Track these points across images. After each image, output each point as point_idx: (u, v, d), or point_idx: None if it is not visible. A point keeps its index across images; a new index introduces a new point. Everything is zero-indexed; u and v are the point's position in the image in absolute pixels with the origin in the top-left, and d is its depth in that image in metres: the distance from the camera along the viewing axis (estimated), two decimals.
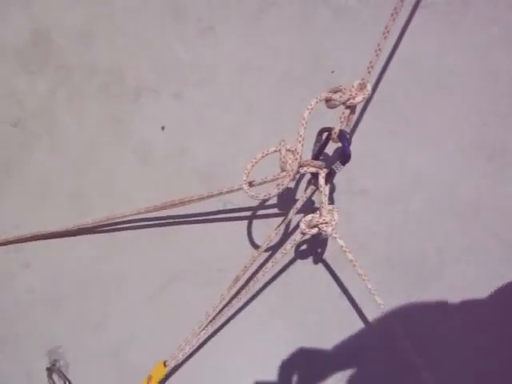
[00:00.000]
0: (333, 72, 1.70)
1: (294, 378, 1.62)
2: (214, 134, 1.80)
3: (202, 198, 1.56)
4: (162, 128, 1.85)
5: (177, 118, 1.85)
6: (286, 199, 1.68)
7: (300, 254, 1.67)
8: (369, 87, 1.28)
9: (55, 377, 1.99)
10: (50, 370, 1.99)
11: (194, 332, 1.61)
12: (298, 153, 1.27)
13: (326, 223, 1.38)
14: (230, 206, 1.73)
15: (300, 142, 1.26)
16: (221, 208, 1.74)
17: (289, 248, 1.45)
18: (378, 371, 1.64)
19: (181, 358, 1.64)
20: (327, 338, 1.65)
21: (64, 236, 1.94)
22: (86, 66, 2.06)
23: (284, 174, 1.35)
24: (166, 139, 1.85)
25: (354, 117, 1.35)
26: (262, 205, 1.71)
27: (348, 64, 1.68)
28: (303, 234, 1.42)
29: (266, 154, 1.37)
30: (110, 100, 1.96)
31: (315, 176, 1.41)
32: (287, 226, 1.68)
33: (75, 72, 2.07)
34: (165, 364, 1.66)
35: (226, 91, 1.81)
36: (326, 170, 1.38)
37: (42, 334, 2.02)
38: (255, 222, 1.71)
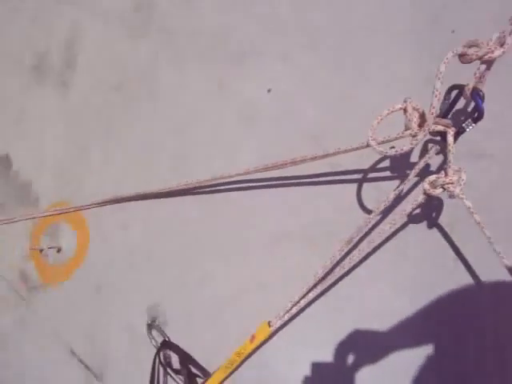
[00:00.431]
0: (453, 32, 1.63)
1: (406, 337, 1.58)
2: (322, 95, 1.77)
3: (314, 158, 1.54)
4: (268, 90, 1.84)
5: (283, 81, 1.83)
6: (398, 162, 1.64)
7: (413, 218, 1.62)
8: (509, 41, 1.21)
9: (154, 333, 2.05)
10: (149, 326, 2.05)
11: (302, 292, 1.61)
12: (433, 107, 1.22)
13: (453, 183, 1.33)
14: (338, 168, 1.70)
15: (436, 96, 1.21)
16: (329, 170, 1.72)
17: (409, 210, 1.41)
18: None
19: (286, 318, 1.64)
20: (440, 303, 1.59)
21: (167, 196, 1.98)
22: (189, 29, 2.07)
23: (408, 132, 1.32)
24: (272, 101, 1.84)
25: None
26: (373, 167, 1.67)
27: (469, 23, 1.61)
28: (426, 194, 1.38)
29: (392, 111, 1.33)
30: (213, 63, 1.97)
31: (442, 135, 1.36)
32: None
33: (178, 35, 2.10)
34: (269, 324, 1.66)
35: (334, 53, 1.77)
36: (454, 129, 1.33)
37: (142, 292, 2.09)
38: (365, 185, 1.67)
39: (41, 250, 2.49)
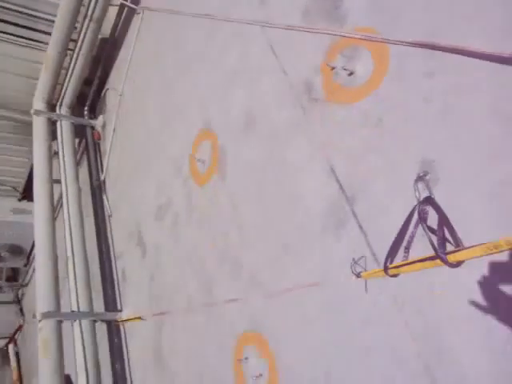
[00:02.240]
0: None
1: None
2: None
3: None
4: None
5: None
6: None
7: None
8: None
9: (421, 186, 2.07)
10: (419, 178, 2.06)
11: None
12: None
13: None
14: None
15: None
16: None
17: None
18: None
19: None
20: None
21: None
22: None
23: None
24: None
25: None
26: None
27: None
28: None
29: None
30: None
31: None
32: None
33: None
34: None
35: None
36: None
37: (420, 143, 2.07)
38: None
39: (333, 68, 2.57)
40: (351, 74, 2.46)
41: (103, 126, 6.23)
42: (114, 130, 5.84)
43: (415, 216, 2.07)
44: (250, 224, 3.13)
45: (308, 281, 2.56)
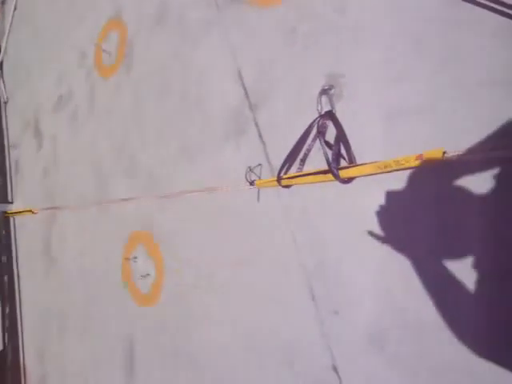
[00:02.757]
0: None
1: None
2: None
3: None
4: None
5: None
6: None
7: None
8: None
9: (324, 100, 2.04)
10: (323, 92, 2.03)
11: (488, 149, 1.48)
12: None
13: None
14: None
15: None
16: None
17: None
18: None
19: (463, 151, 1.56)
20: None
21: None
22: None
23: None
24: None
25: None
26: None
27: None
28: None
29: None
30: None
31: None
32: None
33: None
34: (444, 153, 1.59)
35: None
36: None
37: (329, 53, 2.02)
38: None
39: None
40: None
41: (3, 2, 5.55)
42: (15, 7, 5.21)
43: (314, 129, 2.06)
44: (150, 123, 2.99)
45: (205, 185, 2.52)
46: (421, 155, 1.65)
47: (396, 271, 1.78)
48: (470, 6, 1.64)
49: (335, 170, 1.90)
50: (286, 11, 2.22)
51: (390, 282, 1.81)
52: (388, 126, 1.84)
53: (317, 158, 2.05)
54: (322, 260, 2.04)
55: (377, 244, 1.85)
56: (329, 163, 1.92)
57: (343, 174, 1.90)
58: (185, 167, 2.70)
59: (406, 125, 1.79)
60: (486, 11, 1.61)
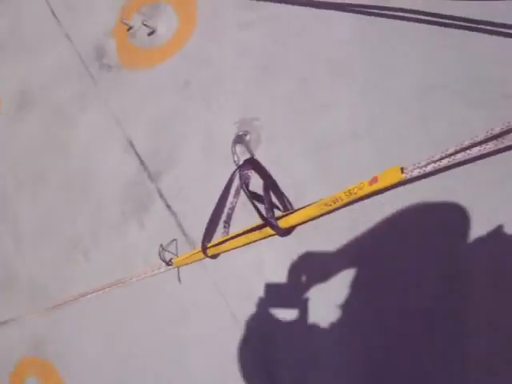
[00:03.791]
0: None
1: None
2: None
3: None
4: None
5: None
6: None
7: None
8: None
9: (239, 149, 1.79)
10: (238, 139, 1.79)
11: (445, 151, 1.32)
12: None
13: None
14: None
15: None
16: None
17: None
18: None
19: (421, 172, 1.37)
20: None
21: None
22: None
23: None
24: None
25: None
26: None
27: None
28: None
29: None
30: None
31: None
32: None
33: None
34: (402, 170, 1.39)
35: None
36: None
37: (240, 101, 1.81)
38: None
39: (130, 28, 2.18)
40: (152, 33, 2.09)
41: None
42: None
43: (235, 183, 1.77)
44: (25, 221, 2.46)
45: (108, 281, 2.05)
46: (375, 178, 1.43)
47: None
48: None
49: (273, 221, 1.60)
50: (176, 65, 2.00)
51: None
52: (319, 160, 1.63)
53: (243, 217, 1.75)
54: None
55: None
56: (262, 215, 1.62)
57: (283, 223, 1.61)
58: (78, 265, 2.21)
59: (341, 153, 1.59)
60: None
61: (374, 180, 1.42)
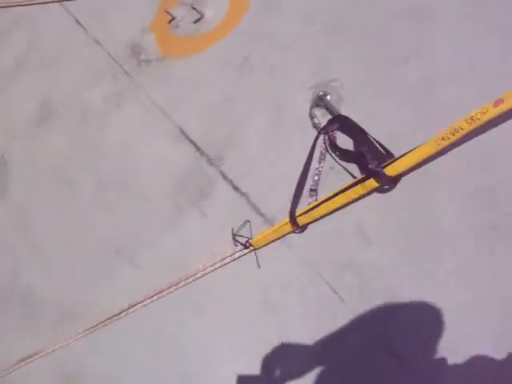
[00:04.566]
0: None
1: None
2: None
3: None
4: None
5: None
6: None
7: None
8: None
9: (318, 113, 1.67)
10: (317, 101, 1.67)
11: None
12: None
13: None
14: None
15: None
16: None
17: None
18: None
19: None
20: None
21: None
22: None
23: None
24: None
25: None
26: None
27: None
28: None
29: None
30: None
31: None
32: None
33: None
34: None
35: None
36: None
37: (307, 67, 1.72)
38: None
39: (172, 20, 2.10)
40: (199, 19, 2.01)
41: None
42: None
43: (318, 148, 1.63)
44: (53, 240, 2.17)
45: (166, 281, 1.80)
46: (500, 99, 1.32)
47: None
48: None
49: (380, 169, 1.45)
50: (230, 44, 1.93)
51: None
52: (417, 107, 1.53)
53: (332, 182, 1.59)
54: None
55: None
56: (366, 165, 1.47)
57: (390, 170, 1.46)
58: (122, 273, 1.93)
59: (442, 95, 1.49)
60: None
61: (500, 101, 1.32)
